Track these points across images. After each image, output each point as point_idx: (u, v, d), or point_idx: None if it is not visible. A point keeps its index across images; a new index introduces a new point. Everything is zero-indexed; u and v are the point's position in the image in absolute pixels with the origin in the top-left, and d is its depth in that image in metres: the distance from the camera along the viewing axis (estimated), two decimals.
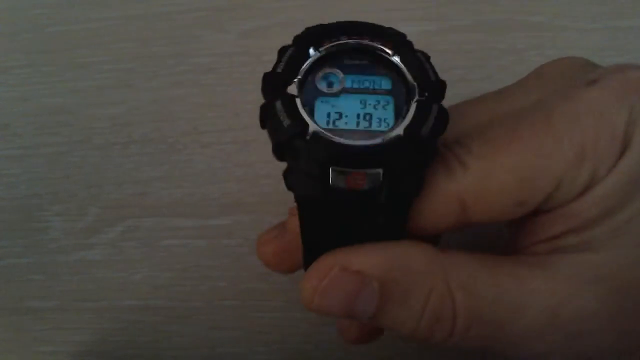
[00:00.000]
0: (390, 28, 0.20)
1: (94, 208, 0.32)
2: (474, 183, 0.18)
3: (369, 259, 0.18)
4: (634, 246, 0.18)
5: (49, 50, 0.33)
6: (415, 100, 0.18)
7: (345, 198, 0.18)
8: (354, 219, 0.19)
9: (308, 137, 0.18)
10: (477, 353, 0.27)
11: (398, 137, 0.18)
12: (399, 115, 0.19)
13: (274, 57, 0.20)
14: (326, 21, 0.21)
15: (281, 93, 0.18)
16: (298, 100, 0.18)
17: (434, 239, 0.23)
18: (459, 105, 0.23)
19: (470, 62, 0.32)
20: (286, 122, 0.18)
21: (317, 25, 0.20)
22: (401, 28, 0.19)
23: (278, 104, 0.18)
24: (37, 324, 0.31)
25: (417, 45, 0.20)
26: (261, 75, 0.20)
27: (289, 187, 0.18)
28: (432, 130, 0.18)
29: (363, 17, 0.32)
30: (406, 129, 0.18)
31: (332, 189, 0.18)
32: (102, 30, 0.33)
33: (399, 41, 0.19)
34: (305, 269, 0.20)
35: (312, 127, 0.18)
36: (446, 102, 0.25)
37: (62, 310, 0.31)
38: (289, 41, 0.20)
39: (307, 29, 0.20)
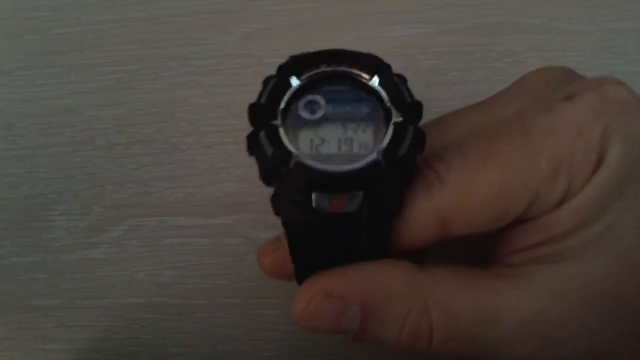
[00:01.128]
0: (369, 54, 0.20)
1: (97, 207, 0.32)
2: (452, 199, 0.19)
3: (350, 285, 0.20)
4: (606, 258, 0.19)
5: (52, 52, 0.33)
6: (392, 123, 0.19)
7: (329, 220, 0.19)
8: (339, 240, 0.20)
9: (291, 165, 0.19)
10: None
11: (376, 160, 0.19)
12: (377, 138, 0.19)
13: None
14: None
15: (265, 123, 0.19)
16: (281, 130, 0.19)
17: (420, 252, 0.23)
18: (440, 119, 0.23)
19: (468, 64, 0.32)
20: (270, 151, 0.19)
21: (300, 54, 0.21)
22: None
23: (262, 134, 0.19)
24: (40, 322, 0.31)
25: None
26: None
27: (276, 212, 0.20)
28: (408, 151, 0.19)
29: (361, 19, 0.33)
30: (384, 152, 0.19)
31: (316, 213, 0.19)
32: (105, 32, 0.33)
33: (377, 66, 0.20)
34: (298, 283, 0.21)
35: (295, 154, 0.19)
36: (445, 104, 0.25)
37: (66, 309, 0.31)
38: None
39: (292, 57, 0.21)
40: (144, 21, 0.33)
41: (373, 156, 0.19)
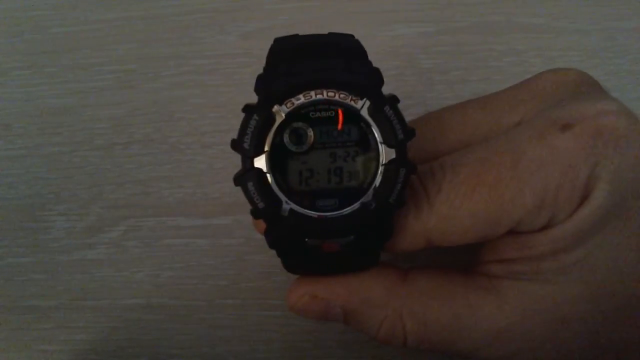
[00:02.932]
0: (358, 67, 0.20)
1: (96, 208, 0.32)
2: (438, 224, 0.20)
3: (333, 290, 0.22)
4: (577, 284, 0.20)
5: (50, 52, 0.33)
6: (382, 164, 0.19)
7: (322, 257, 0.20)
8: (330, 266, 0.21)
9: (284, 213, 0.19)
10: None
11: (367, 205, 0.19)
12: (367, 167, 0.20)
13: None
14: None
15: (251, 170, 0.19)
16: (269, 176, 0.19)
17: None
18: (444, 112, 0.24)
19: (470, 63, 0.32)
20: (261, 204, 0.19)
21: (284, 40, 0.20)
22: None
23: (250, 186, 0.19)
24: (39, 322, 0.31)
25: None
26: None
27: (270, 246, 0.20)
28: (399, 195, 0.19)
29: (362, 18, 0.33)
30: (375, 194, 0.19)
31: (309, 251, 0.20)
32: (103, 31, 0.33)
33: (367, 88, 0.19)
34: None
35: (286, 205, 0.19)
36: (446, 103, 0.25)
37: (64, 309, 0.31)
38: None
39: (276, 40, 0.20)
40: (143, 20, 0.33)
41: (364, 199, 0.19)
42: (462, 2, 0.33)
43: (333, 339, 0.30)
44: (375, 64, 0.20)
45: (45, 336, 0.31)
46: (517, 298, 0.21)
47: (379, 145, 0.19)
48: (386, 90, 0.20)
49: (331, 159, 0.20)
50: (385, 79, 0.20)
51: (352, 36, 0.20)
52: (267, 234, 0.20)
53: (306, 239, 0.19)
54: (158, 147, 0.32)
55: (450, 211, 0.20)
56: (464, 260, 0.23)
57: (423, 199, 0.20)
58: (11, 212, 0.32)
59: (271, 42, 0.21)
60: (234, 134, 0.20)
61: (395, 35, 0.32)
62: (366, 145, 0.20)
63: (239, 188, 0.20)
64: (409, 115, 0.20)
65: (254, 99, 0.20)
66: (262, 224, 0.21)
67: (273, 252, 0.21)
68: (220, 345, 0.30)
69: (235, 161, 0.20)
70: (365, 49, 0.21)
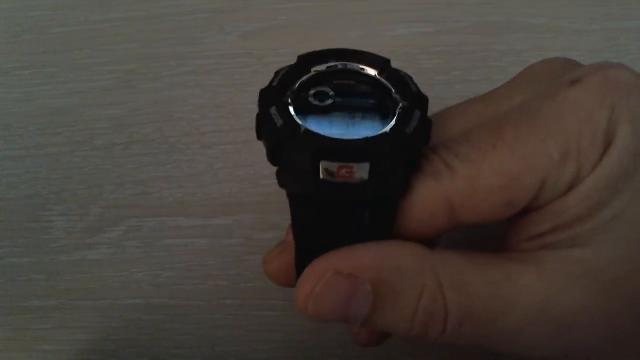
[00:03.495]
0: (376, 55, 0.21)
1: (96, 208, 0.32)
2: (461, 185, 0.18)
3: (360, 262, 0.19)
4: (619, 241, 0.19)
5: (50, 52, 0.33)
6: (399, 108, 0.19)
7: (335, 191, 0.18)
8: (343, 216, 0.19)
9: (301, 132, 0.19)
10: (474, 351, 0.28)
11: (384, 134, 0.19)
12: (384, 125, 0.20)
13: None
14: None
15: (275, 101, 0.19)
16: (291, 107, 0.19)
17: (428, 243, 0.23)
18: (444, 111, 0.23)
19: (469, 63, 0.32)
20: (280, 122, 0.19)
21: (308, 52, 0.21)
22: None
23: (273, 109, 0.19)
24: (38, 322, 0.31)
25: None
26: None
27: (281, 184, 0.19)
28: (415, 130, 0.19)
29: (362, 18, 0.33)
30: (391, 129, 0.19)
31: (322, 183, 0.18)
32: (103, 31, 0.33)
33: (384, 63, 0.21)
34: (298, 274, 0.20)
35: (303, 126, 0.19)
36: (446, 103, 0.25)
37: (64, 309, 0.31)
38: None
39: (299, 56, 0.21)
40: (143, 20, 0.33)
41: (381, 129, 0.19)
42: (462, 2, 0.33)
43: (333, 339, 0.30)
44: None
45: (45, 336, 0.31)
46: (557, 264, 0.19)
47: (395, 99, 0.20)
48: None
49: (350, 117, 0.20)
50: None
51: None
52: (279, 171, 0.19)
53: (320, 163, 0.18)
54: (158, 147, 0.32)
55: (472, 171, 0.18)
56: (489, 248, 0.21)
57: (440, 164, 0.19)
58: (11, 212, 0.32)
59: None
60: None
61: (395, 35, 0.32)
62: (385, 108, 0.20)
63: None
64: None
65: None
66: (271, 263, 0.21)
67: None
68: (220, 345, 0.31)
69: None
70: (366, 49, 0.21)
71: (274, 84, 0.20)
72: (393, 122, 0.19)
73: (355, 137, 0.19)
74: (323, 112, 0.20)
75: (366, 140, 0.18)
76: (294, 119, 0.19)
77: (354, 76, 0.21)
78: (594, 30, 0.32)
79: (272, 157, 0.19)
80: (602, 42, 0.32)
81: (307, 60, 0.21)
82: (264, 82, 0.20)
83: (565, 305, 0.19)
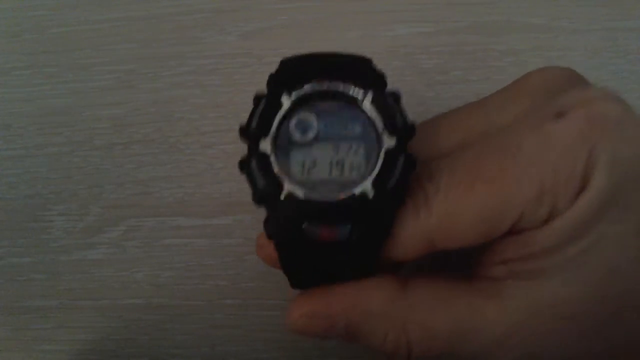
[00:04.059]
0: (362, 61, 0.20)
1: (96, 208, 0.32)
2: (438, 224, 0.20)
3: (333, 306, 0.21)
4: (583, 278, 0.20)
5: (50, 52, 0.33)
6: (383, 150, 0.20)
7: (319, 246, 0.20)
8: (328, 262, 0.21)
9: (282, 196, 0.19)
10: None
11: (365, 192, 0.19)
12: (369, 161, 0.20)
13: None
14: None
15: (255, 151, 0.20)
16: (272, 157, 0.20)
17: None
18: (435, 119, 0.24)
19: (469, 63, 0.32)
20: (261, 183, 0.19)
21: (291, 62, 0.21)
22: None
23: (253, 164, 0.20)
24: (38, 322, 0.31)
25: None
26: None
27: (268, 235, 0.20)
28: (398, 182, 0.19)
29: (362, 18, 0.33)
30: (374, 182, 0.19)
31: (307, 239, 0.20)
32: (103, 31, 0.33)
33: (371, 82, 0.20)
34: (292, 287, 0.23)
35: (286, 186, 0.19)
36: (446, 103, 0.25)
37: (64, 309, 0.31)
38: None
39: (282, 63, 0.21)
40: (143, 20, 0.33)
41: (362, 187, 0.19)
42: (462, 2, 0.33)
43: (333, 339, 0.30)
44: (375, 64, 0.20)
45: (45, 336, 0.31)
46: (520, 299, 0.20)
47: (380, 134, 0.20)
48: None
49: (334, 152, 0.20)
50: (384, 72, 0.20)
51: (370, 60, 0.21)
52: (266, 223, 0.20)
53: (303, 225, 0.19)
54: (158, 147, 0.32)
55: (450, 209, 0.20)
56: (464, 265, 0.23)
57: (421, 200, 0.20)
58: (11, 212, 0.32)
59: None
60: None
61: (395, 35, 0.32)
62: (370, 138, 0.20)
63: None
64: (409, 115, 0.20)
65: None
66: (265, 248, 0.21)
67: None
68: (220, 345, 0.31)
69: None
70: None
71: (253, 125, 0.20)
72: (376, 171, 0.19)
73: (338, 190, 0.19)
74: (307, 145, 0.20)
75: (347, 202, 0.19)
76: (275, 178, 0.19)
77: (339, 98, 0.20)
78: (594, 30, 0.32)
79: (257, 205, 0.20)
80: (602, 42, 0.32)
81: (288, 80, 0.20)
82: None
83: (525, 336, 0.20)
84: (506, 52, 0.32)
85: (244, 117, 0.20)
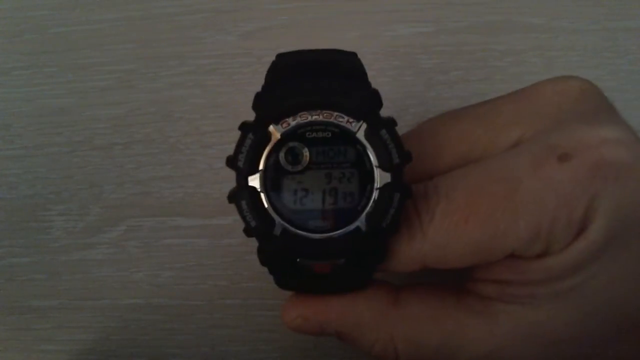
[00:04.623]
0: (356, 88, 0.19)
1: (96, 208, 0.32)
2: (431, 250, 0.20)
3: (325, 315, 0.22)
4: (571, 310, 0.20)
5: (50, 52, 0.33)
6: (377, 186, 0.19)
7: (313, 276, 0.20)
8: (321, 287, 0.21)
9: (276, 233, 0.19)
10: None
11: (358, 229, 0.19)
12: (363, 189, 0.20)
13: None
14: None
15: (245, 189, 0.19)
16: (262, 195, 0.19)
17: None
18: (439, 123, 0.23)
19: (469, 63, 0.32)
20: (253, 222, 0.19)
21: (286, 57, 0.20)
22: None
23: (243, 204, 0.19)
24: (39, 322, 0.31)
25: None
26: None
27: (262, 264, 0.20)
28: (393, 219, 0.19)
29: (362, 18, 0.33)
30: (368, 218, 0.19)
31: (300, 271, 0.20)
32: (103, 31, 0.33)
33: (364, 110, 0.19)
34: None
35: (279, 222, 0.19)
36: (446, 103, 0.25)
37: (64, 309, 0.31)
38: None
39: (279, 56, 0.20)
40: (143, 20, 0.33)
41: (356, 223, 0.19)
42: (462, 2, 0.33)
43: (333, 339, 0.30)
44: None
45: (45, 336, 0.31)
46: (508, 322, 0.21)
47: (374, 169, 0.19)
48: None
49: (327, 180, 0.20)
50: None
51: (354, 55, 0.20)
52: (259, 252, 0.20)
53: (297, 259, 0.19)
54: (158, 147, 0.32)
55: (443, 240, 0.20)
56: (458, 275, 0.23)
57: (416, 226, 0.20)
58: (11, 212, 0.32)
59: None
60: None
61: (395, 35, 0.32)
62: (362, 166, 0.20)
63: None
64: (409, 115, 0.20)
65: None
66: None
67: None
68: (220, 345, 0.30)
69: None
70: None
71: (240, 163, 0.19)
72: (370, 206, 0.19)
73: (332, 224, 0.19)
74: (298, 173, 0.20)
75: (341, 238, 0.19)
76: (267, 216, 0.19)
77: (330, 128, 0.19)
78: (594, 30, 0.32)
79: (248, 236, 0.20)
80: (602, 42, 0.32)
81: (276, 111, 0.19)
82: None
83: (507, 357, 0.21)
84: (506, 52, 0.32)
85: (244, 117, 0.20)
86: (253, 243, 0.27)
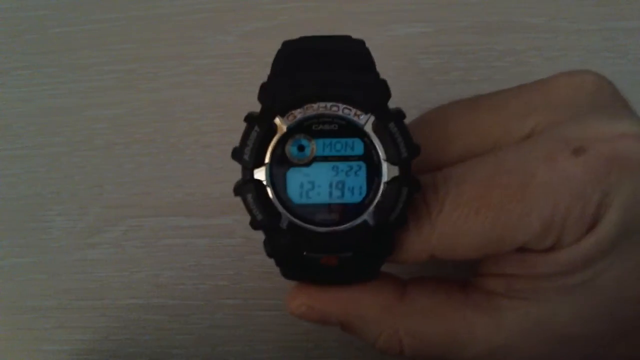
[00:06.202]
0: (364, 79, 0.19)
1: (96, 208, 0.32)
2: (441, 243, 0.20)
3: (329, 306, 0.22)
4: (579, 305, 0.20)
5: (50, 52, 0.33)
6: (384, 180, 0.19)
7: (320, 269, 0.20)
8: (328, 278, 0.21)
9: (283, 225, 0.19)
10: None
11: (367, 222, 0.19)
12: (370, 182, 0.19)
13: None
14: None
15: (251, 181, 0.19)
16: (269, 189, 0.19)
17: None
18: (450, 113, 0.23)
19: (470, 63, 0.32)
20: (259, 216, 0.19)
21: (293, 43, 0.20)
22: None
23: (249, 197, 0.19)
24: (39, 322, 0.31)
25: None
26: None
27: (269, 256, 0.20)
28: (401, 214, 0.19)
29: (362, 18, 0.33)
30: (375, 211, 0.19)
31: (307, 264, 0.19)
32: (103, 31, 0.33)
33: (372, 103, 0.19)
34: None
35: (285, 218, 0.19)
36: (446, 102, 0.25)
37: (64, 309, 0.31)
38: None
39: (285, 43, 0.20)
40: (143, 20, 0.33)
41: (364, 217, 0.19)
42: (462, 2, 0.33)
43: (333, 339, 0.30)
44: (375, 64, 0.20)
45: (45, 336, 0.31)
46: (514, 319, 0.20)
47: (382, 162, 0.19)
48: None
49: (333, 172, 0.19)
50: (385, 79, 0.20)
51: (363, 43, 0.20)
52: (266, 244, 0.20)
53: (304, 252, 0.19)
54: (158, 147, 0.32)
55: (452, 231, 0.19)
56: (465, 268, 0.23)
57: (425, 217, 0.20)
58: (11, 212, 0.32)
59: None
60: (234, 134, 0.20)
61: (395, 35, 0.32)
62: (370, 159, 0.19)
63: None
64: (409, 116, 0.20)
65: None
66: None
67: None
68: (220, 345, 0.30)
69: (235, 162, 0.20)
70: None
71: (246, 156, 0.19)
72: (377, 199, 0.19)
73: (339, 218, 0.19)
74: (304, 165, 0.19)
75: (348, 232, 0.19)
76: (273, 210, 0.19)
77: (337, 121, 0.19)
78: (594, 30, 0.32)
79: (255, 229, 0.20)
80: (602, 42, 0.32)
81: (283, 103, 0.19)
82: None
83: (516, 353, 0.21)
84: (506, 52, 0.32)
85: (243, 117, 0.20)
86: (253, 243, 0.27)
